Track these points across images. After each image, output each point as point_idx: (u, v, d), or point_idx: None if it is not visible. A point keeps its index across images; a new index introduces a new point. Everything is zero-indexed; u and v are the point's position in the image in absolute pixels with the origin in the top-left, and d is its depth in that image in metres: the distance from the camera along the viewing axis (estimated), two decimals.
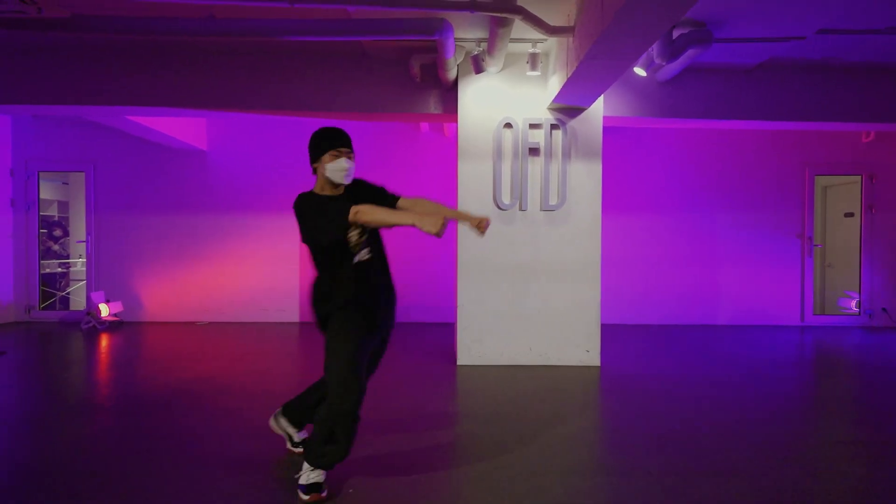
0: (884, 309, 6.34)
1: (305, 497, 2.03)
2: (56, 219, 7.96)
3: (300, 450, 2.43)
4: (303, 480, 2.05)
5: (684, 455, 2.54)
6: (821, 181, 7.14)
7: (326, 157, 2.09)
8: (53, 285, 7.34)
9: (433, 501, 2.10)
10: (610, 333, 5.64)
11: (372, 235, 2.17)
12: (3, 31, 3.67)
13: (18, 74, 4.49)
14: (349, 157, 2.12)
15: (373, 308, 2.15)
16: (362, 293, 2.11)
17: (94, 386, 3.82)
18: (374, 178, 6.77)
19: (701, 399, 3.46)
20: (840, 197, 7.07)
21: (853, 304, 6.50)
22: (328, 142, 2.10)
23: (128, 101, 4.55)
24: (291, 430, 2.48)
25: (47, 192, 7.92)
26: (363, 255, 2.12)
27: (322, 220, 2.01)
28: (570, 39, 3.53)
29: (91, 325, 5.93)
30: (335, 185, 2.15)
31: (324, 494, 2.04)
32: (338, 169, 2.09)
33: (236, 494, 2.11)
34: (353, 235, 2.08)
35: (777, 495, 2.14)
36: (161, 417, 3.03)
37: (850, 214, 6.79)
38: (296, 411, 2.46)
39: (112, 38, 4.23)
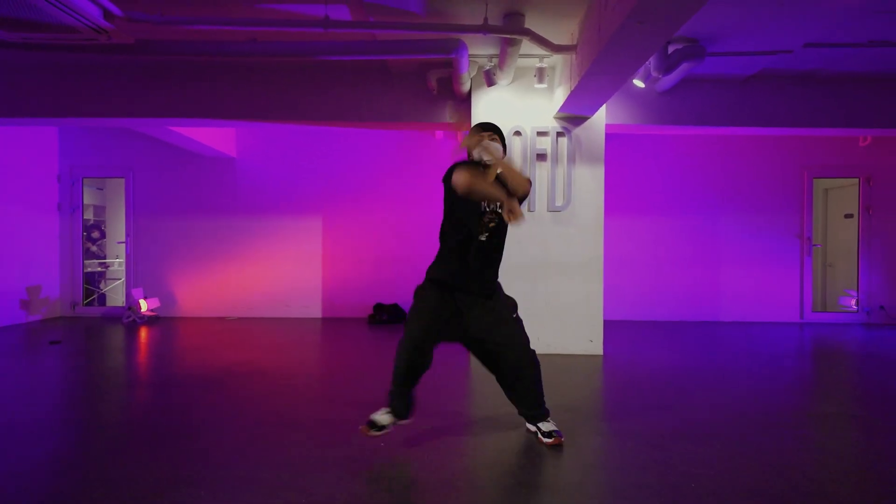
0: (882, 307, 6.58)
1: (363, 427, 2.49)
2: (92, 222, 8.51)
3: (551, 440, 2.51)
4: (373, 415, 2.52)
5: (672, 422, 2.88)
6: (822, 183, 7.41)
7: (481, 136, 2.44)
8: (93, 284, 7.86)
9: (464, 457, 2.49)
10: (616, 328, 5.98)
11: (499, 226, 2.42)
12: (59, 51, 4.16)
13: (73, 90, 4.99)
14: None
15: (459, 287, 2.40)
16: (459, 271, 2.39)
17: (147, 368, 4.27)
18: (392, 182, 7.11)
19: (694, 380, 3.80)
20: (841, 198, 7.33)
21: (853, 302, 6.75)
22: (480, 127, 2.48)
23: (174, 113, 5.03)
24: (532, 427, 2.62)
25: (85, 196, 8.47)
26: (483, 237, 2.39)
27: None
28: (573, 56, 3.91)
29: (132, 319, 6.42)
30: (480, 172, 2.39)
31: (377, 434, 2.48)
32: (494, 147, 2.43)
33: (285, 452, 2.51)
34: (487, 218, 2.37)
35: (757, 455, 2.48)
36: (215, 392, 3.45)
37: (850, 215, 7.04)
38: (518, 406, 2.61)
39: (152, 58, 4.72)
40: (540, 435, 2.56)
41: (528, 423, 2.65)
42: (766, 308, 6.67)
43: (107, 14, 3.24)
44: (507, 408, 3.09)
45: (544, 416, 2.60)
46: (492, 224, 2.41)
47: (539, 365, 2.57)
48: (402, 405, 2.52)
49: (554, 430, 2.54)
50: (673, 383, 3.75)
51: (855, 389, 3.72)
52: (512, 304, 2.57)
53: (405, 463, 2.37)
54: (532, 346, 2.56)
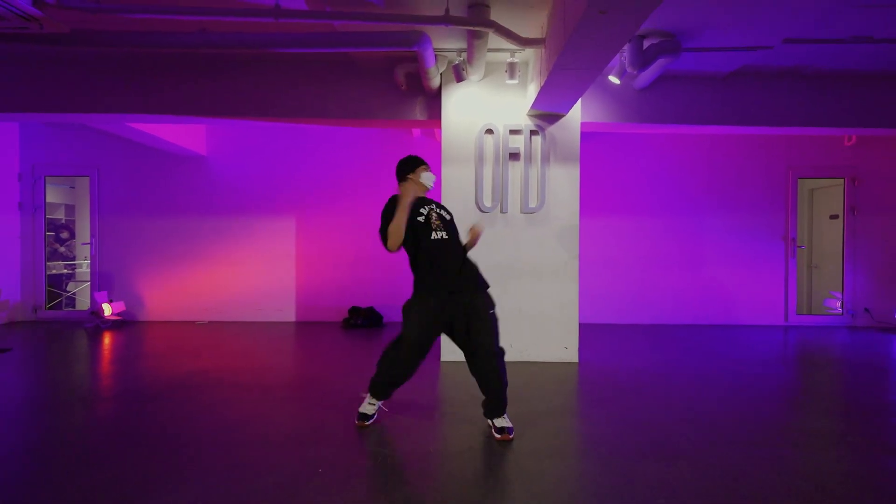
0: (866, 309, 6.45)
1: (357, 422, 2.89)
2: (63, 222, 8.24)
3: (502, 436, 2.74)
4: (360, 409, 2.93)
5: (644, 438, 2.70)
6: (808, 183, 7.26)
7: (420, 169, 2.81)
8: (60, 286, 7.59)
9: (433, 475, 2.29)
10: (596, 332, 5.80)
11: (448, 223, 2.82)
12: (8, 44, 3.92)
13: (26, 84, 4.74)
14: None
15: (443, 283, 2.71)
16: (436, 268, 2.70)
17: (97, 378, 4.04)
18: (369, 181, 6.87)
19: (673, 389, 3.62)
20: (826, 199, 7.19)
21: (837, 304, 6.62)
22: (418, 160, 2.85)
23: (128, 109, 4.78)
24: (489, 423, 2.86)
25: (55, 195, 8.19)
26: (440, 234, 2.75)
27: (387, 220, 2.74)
28: (543, 50, 3.72)
29: (94, 325, 6.17)
30: (423, 190, 2.82)
31: (367, 423, 2.89)
32: (429, 177, 2.81)
33: (236, 475, 2.31)
34: (432, 218, 2.77)
35: (720, 477, 2.30)
36: (168, 405, 3.23)
37: (836, 216, 6.90)
38: (485, 407, 2.84)
39: (110, 51, 4.48)
40: (493, 430, 2.78)
41: (487, 416, 2.84)
42: (750, 311, 6.52)
43: (36, 1, 3.01)
44: (477, 412, 2.90)
45: (501, 412, 2.79)
46: (438, 220, 2.79)
47: (504, 361, 2.78)
48: (382, 392, 2.89)
49: (506, 427, 2.75)
50: (649, 394, 3.57)
51: (840, 401, 3.55)
52: (491, 302, 2.83)
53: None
54: (504, 347, 2.82)
